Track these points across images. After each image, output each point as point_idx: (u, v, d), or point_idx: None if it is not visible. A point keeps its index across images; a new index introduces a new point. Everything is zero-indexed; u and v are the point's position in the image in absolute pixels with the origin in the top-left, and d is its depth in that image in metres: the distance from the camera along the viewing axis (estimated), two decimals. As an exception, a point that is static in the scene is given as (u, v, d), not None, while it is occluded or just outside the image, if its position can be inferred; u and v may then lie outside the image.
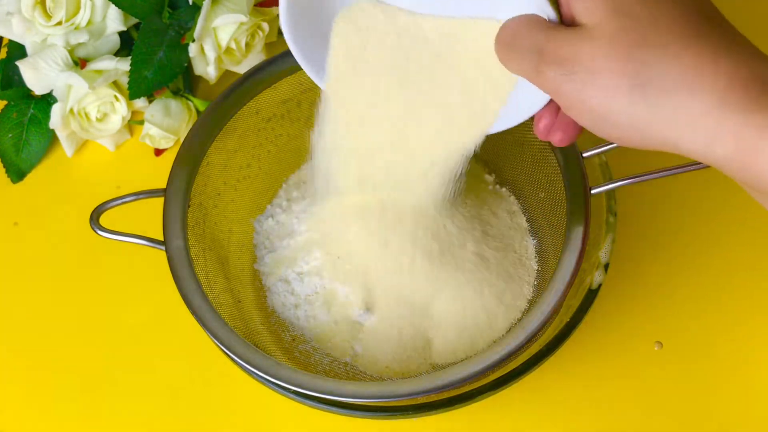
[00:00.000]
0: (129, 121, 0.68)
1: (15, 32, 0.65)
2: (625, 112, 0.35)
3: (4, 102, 0.68)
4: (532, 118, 0.44)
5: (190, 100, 0.67)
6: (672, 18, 0.34)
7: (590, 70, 0.35)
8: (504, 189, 0.60)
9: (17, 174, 0.68)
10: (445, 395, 0.50)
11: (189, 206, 0.54)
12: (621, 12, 0.34)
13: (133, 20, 0.67)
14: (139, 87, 0.64)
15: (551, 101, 0.42)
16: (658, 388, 0.57)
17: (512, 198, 0.59)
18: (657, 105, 0.34)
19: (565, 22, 0.37)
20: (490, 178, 0.60)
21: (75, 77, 0.63)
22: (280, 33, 0.70)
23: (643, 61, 0.34)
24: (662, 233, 0.62)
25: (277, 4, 0.67)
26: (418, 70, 0.46)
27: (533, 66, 0.37)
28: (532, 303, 0.54)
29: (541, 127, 0.42)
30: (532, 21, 0.38)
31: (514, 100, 0.45)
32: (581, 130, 0.41)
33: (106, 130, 0.67)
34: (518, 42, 0.38)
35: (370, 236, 0.55)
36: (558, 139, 0.42)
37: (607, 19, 0.35)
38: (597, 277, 0.53)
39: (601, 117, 0.36)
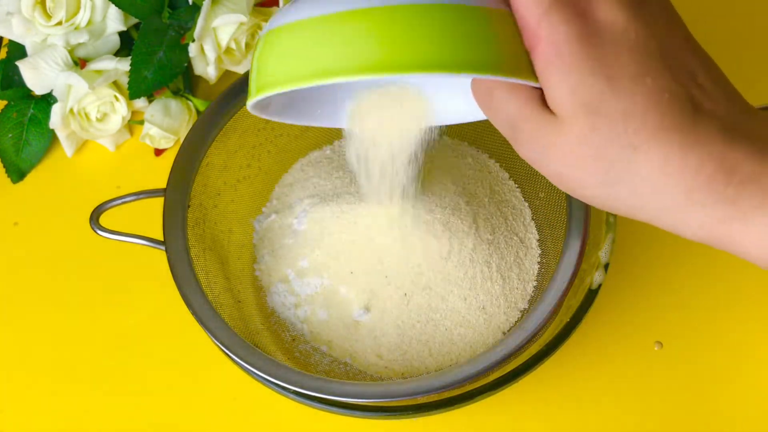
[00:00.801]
0: (129, 121, 0.68)
1: (15, 32, 0.65)
2: (597, 197, 0.37)
3: (4, 102, 0.68)
4: None
5: (190, 100, 0.67)
6: (644, 113, 0.34)
7: (563, 163, 0.36)
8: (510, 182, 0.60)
9: (17, 174, 0.68)
10: (445, 395, 0.50)
11: (189, 206, 0.55)
12: (591, 109, 0.34)
13: (133, 20, 0.67)
14: (139, 87, 0.64)
15: None
16: (658, 388, 0.57)
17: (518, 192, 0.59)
18: (626, 199, 0.36)
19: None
20: (504, 175, 0.60)
21: (75, 77, 0.63)
22: (280, 33, 0.70)
23: (611, 161, 0.35)
24: (662, 233, 0.62)
25: (277, 4, 0.67)
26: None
27: (508, 134, 0.37)
28: (532, 303, 0.54)
29: None
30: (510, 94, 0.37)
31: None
32: None
33: (106, 130, 0.67)
34: (495, 105, 0.37)
35: (370, 236, 0.55)
36: None
37: (577, 115, 0.35)
38: (597, 277, 0.53)
39: (572, 191, 0.37)
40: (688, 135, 0.34)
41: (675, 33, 0.36)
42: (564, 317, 0.52)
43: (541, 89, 0.36)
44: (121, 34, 0.67)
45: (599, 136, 0.35)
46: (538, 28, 0.35)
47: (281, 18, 0.37)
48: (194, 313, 0.51)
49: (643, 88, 0.34)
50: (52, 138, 0.68)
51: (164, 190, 0.54)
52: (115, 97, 0.65)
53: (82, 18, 0.64)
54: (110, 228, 0.53)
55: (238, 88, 0.58)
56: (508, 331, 0.54)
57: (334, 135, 0.63)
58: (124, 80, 0.64)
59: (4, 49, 0.71)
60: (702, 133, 0.34)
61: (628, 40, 0.34)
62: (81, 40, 0.64)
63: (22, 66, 0.64)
